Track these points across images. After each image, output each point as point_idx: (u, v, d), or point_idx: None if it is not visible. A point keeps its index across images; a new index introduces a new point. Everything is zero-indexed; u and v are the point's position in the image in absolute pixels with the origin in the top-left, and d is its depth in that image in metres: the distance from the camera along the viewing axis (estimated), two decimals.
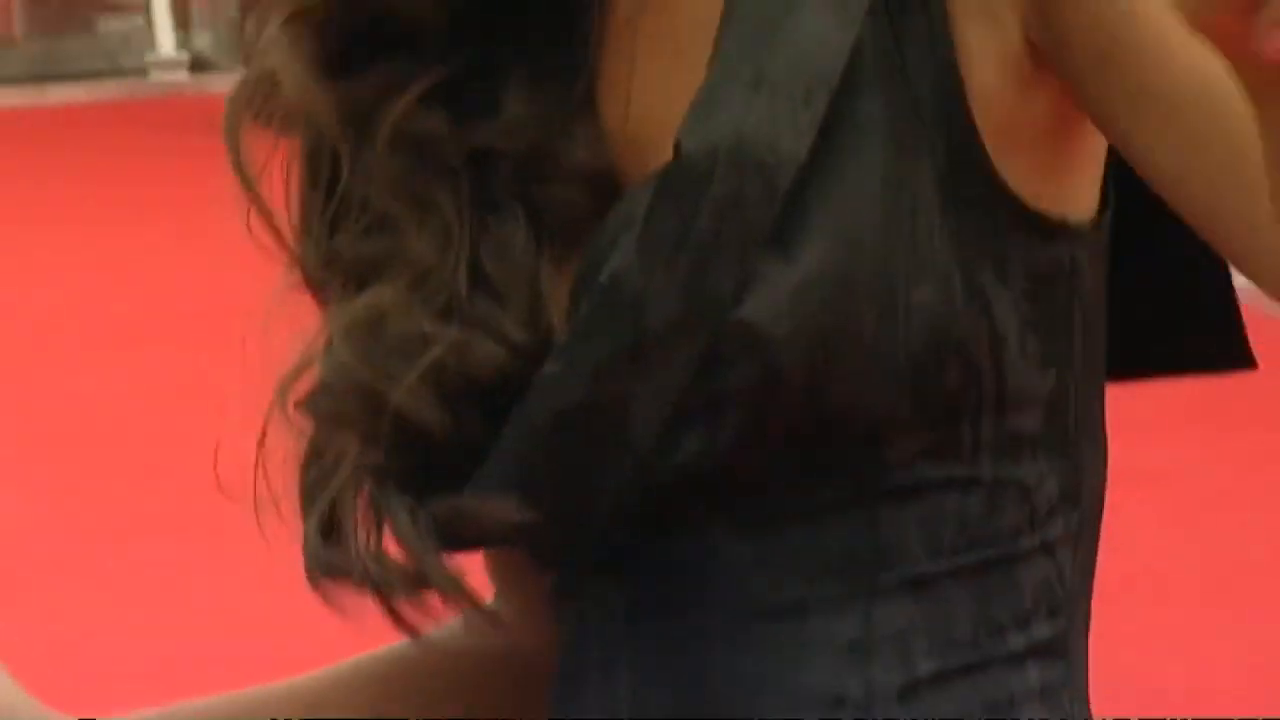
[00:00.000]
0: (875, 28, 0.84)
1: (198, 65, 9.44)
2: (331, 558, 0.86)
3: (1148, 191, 0.86)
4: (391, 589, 0.85)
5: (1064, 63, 0.83)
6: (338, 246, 0.89)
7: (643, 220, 0.83)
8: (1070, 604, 0.91)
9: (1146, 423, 4.27)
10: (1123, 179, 0.89)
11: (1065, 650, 0.91)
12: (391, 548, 0.86)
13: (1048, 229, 0.87)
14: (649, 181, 0.83)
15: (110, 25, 9.57)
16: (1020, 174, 0.86)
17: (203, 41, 9.57)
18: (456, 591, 0.86)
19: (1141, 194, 0.87)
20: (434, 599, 0.86)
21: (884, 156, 0.85)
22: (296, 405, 0.88)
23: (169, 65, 9.50)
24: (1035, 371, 0.88)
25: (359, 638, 0.94)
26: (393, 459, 0.85)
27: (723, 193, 0.82)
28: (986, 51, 0.86)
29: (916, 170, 0.85)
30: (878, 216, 0.84)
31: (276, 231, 0.89)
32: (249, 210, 0.89)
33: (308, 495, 0.87)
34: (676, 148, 0.83)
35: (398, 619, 0.86)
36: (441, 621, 0.88)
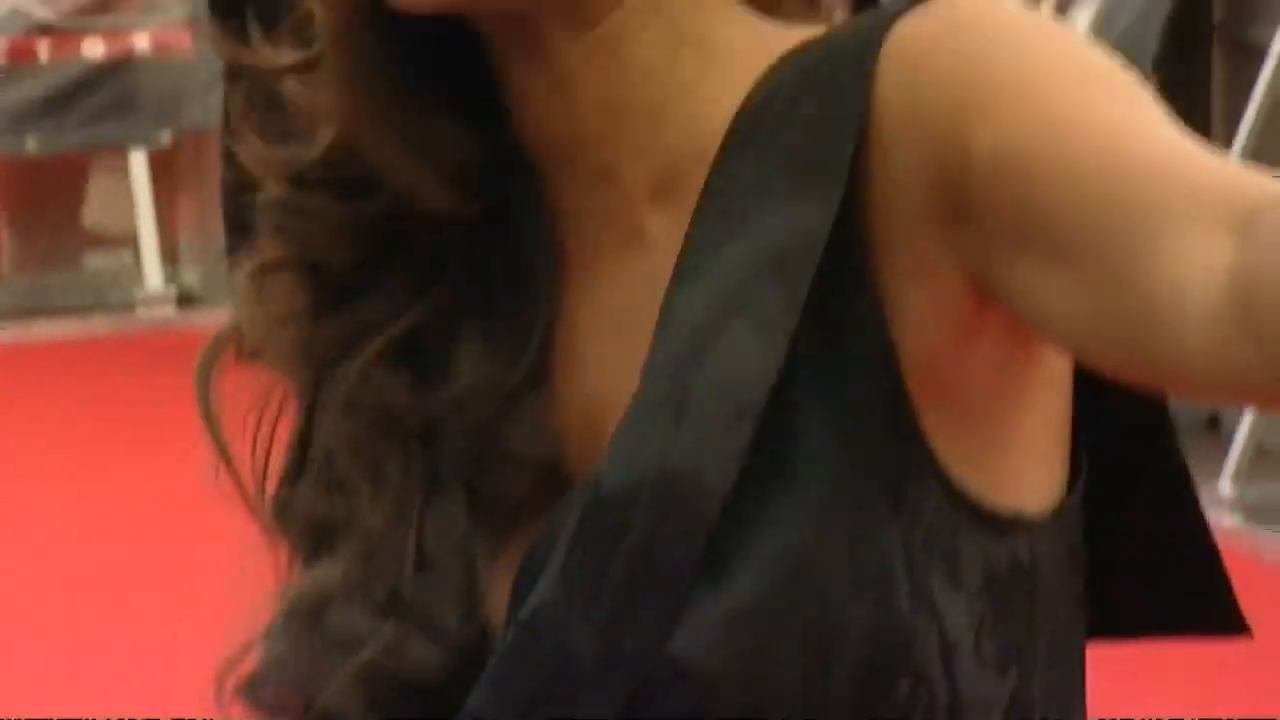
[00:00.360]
0: (807, 330, 0.84)
1: (185, 300, 9.79)
2: None
3: (1121, 460, 0.88)
4: None
5: (1003, 266, 0.81)
6: (297, 499, 0.91)
7: (564, 553, 0.83)
8: None
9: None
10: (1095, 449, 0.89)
11: None
12: None
13: (1001, 525, 0.86)
14: (573, 510, 0.84)
15: (97, 261, 9.98)
16: (968, 461, 0.85)
17: (191, 277, 9.93)
18: None
19: (1115, 462, 0.88)
20: None
21: (821, 473, 0.85)
22: (237, 689, 0.90)
23: (156, 301, 9.90)
24: (992, 675, 0.87)
25: None
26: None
27: (645, 530, 0.82)
28: (923, 316, 0.85)
29: (856, 481, 0.85)
30: (813, 537, 0.84)
31: (238, 480, 0.92)
32: (216, 460, 0.93)
33: None
34: (598, 483, 0.83)
35: None
36: None
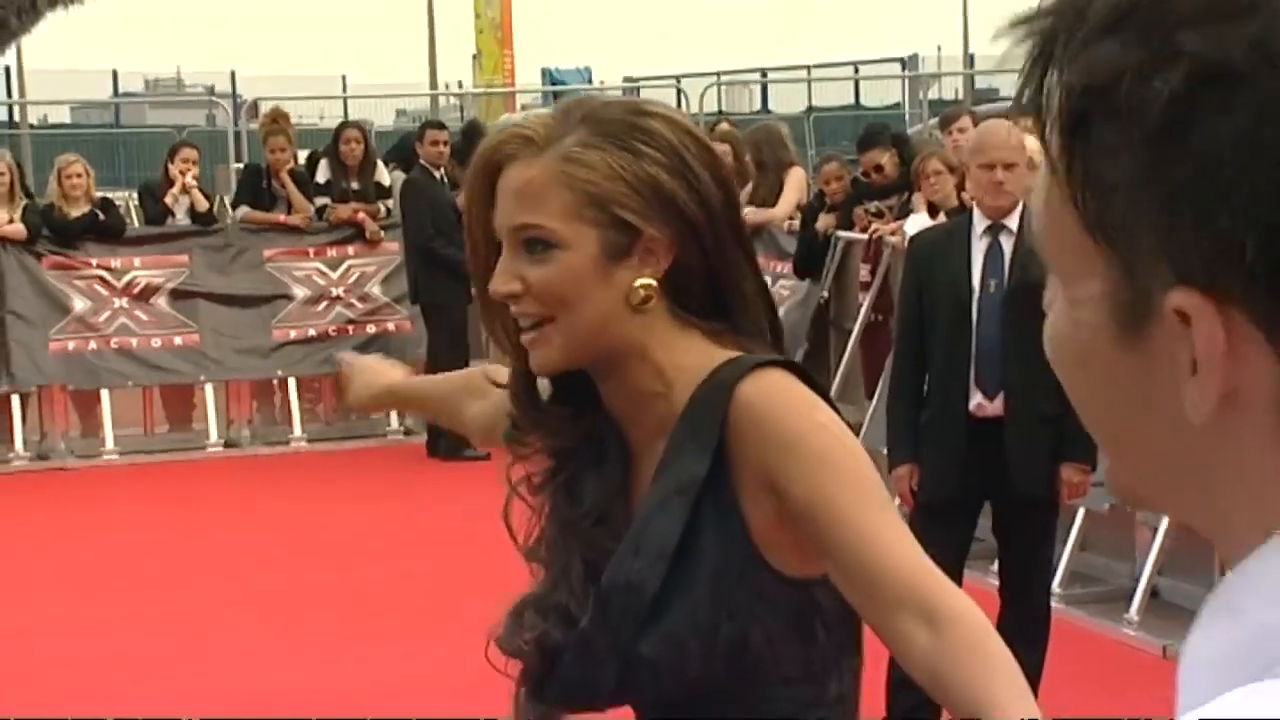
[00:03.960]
0: (708, 509, 1.73)
1: None
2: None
3: None
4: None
5: (793, 524, 1.72)
6: (535, 552, 1.90)
7: (595, 607, 1.77)
8: None
9: None
10: None
11: None
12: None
13: (796, 582, 1.73)
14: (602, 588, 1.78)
15: None
16: (778, 559, 1.74)
17: None
18: None
19: None
20: None
21: (710, 568, 1.72)
22: (496, 641, 1.85)
23: None
24: (796, 650, 1.75)
25: None
26: (524, 674, 1.85)
27: (621, 602, 1.72)
28: (760, 513, 1.72)
29: (728, 570, 1.71)
30: (705, 595, 1.71)
31: (515, 540, 1.91)
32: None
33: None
34: (603, 581, 1.77)
35: None
36: None
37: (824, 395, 1.79)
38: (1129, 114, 0.70)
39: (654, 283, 1.77)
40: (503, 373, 1.98)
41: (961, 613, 1.66)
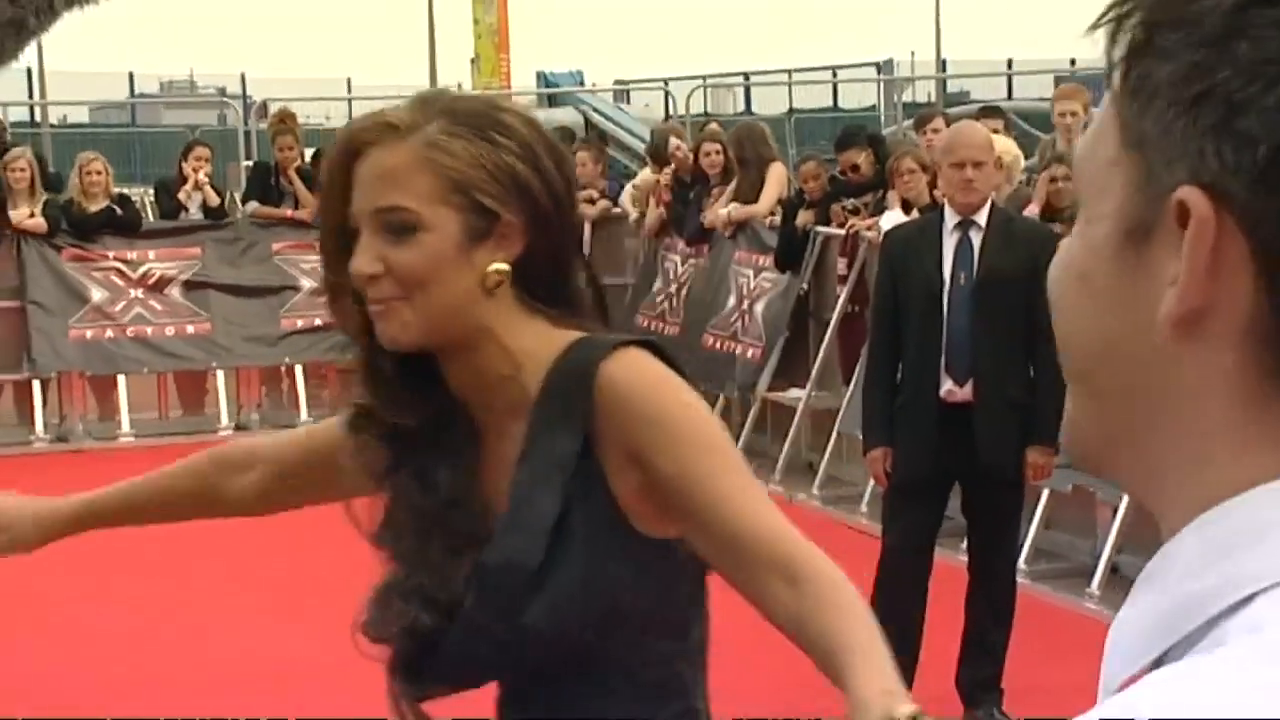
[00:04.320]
0: (578, 486, 1.73)
1: None
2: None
3: None
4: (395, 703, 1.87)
5: (658, 493, 1.75)
6: (383, 538, 1.85)
7: (478, 582, 1.75)
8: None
9: None
10: None
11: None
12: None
13: (656, 543, 1.76)
14: (483, 564, 1.76)
15: None
16: (643, 523, 1.77)
17: None
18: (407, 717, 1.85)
19: None
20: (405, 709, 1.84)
21: (582, 539, 1.73)
22: (361, 629, 1.82)
23: None
24: (653, 599, 1.78)
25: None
26: (397, 660, 1.83)
27: (503, 578, 1.73)
28: (626, 485, 1.74)
29: (598, 540, 1.73)
30: (580, 565, 1.73)
31: (359, 526, 1.88)
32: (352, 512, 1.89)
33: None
34: (485, 559, 1.76)
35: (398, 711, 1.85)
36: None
37: (680, 371, 1.81)
38: (1191, 21, 0.72)
39: (507, 267, 1.77)
40: (259, 441, 2.11)
41: (819, 569, 1.70)
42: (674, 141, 10.67)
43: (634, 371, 1.77)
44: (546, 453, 1.77)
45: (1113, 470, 0.79)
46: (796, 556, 1.70)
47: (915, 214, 7.58)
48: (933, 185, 7.60)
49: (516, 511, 1.77)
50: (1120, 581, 6.87)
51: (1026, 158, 9.03)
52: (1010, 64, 24.55)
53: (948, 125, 7.62)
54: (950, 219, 5.29)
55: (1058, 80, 15.48)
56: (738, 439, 9.39)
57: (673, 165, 10.46)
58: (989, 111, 9.64)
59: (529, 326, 1.81)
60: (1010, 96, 20.49)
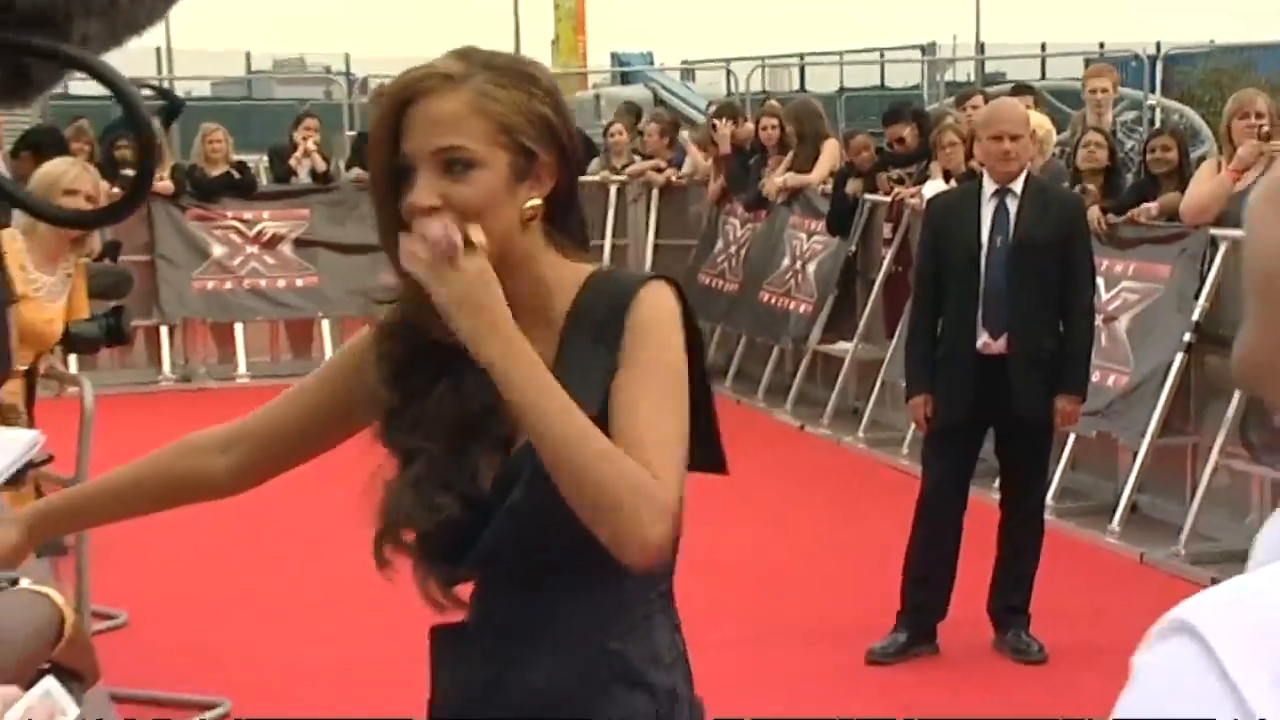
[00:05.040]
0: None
1: None
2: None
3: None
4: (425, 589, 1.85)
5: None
6: (400, 439, 1.83)
7: (527, 485, 1.76)
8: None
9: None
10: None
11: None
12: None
13: None
14: (519, 460, 1.79)
15: None
16: None
17: None
18: (438, 597, 1.84)
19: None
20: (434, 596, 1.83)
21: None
22: (395, 517, 1.84)
23: None
24: None
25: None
26: (430, 546, 1.84)
27: (529, 474, 1.78)
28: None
29: None
30: None
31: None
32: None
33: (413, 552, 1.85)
34: (515, 454, 1.80)
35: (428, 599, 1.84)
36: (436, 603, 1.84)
37: (688, 308, 1.84)
38: None
39: (540, 202, 1.82)
40: (228, 425, 2.02)
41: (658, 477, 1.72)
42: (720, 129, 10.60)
43: (660, 300, 1.82)
44: (585, 366, 1.80)
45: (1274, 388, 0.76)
46: (654, 463, 1.71)
47: (955, 183, 7.53)
48: (969, 156, 7.53)
49: None
50: (1139, 519, 6.88)
51: (1059, 132, 8.94)
52: (1044, 47, 24.21)
53: (986, 102, 7.56)
54: (988, 187, 5.26)
55: (1087, 61, 15.31)
56: (790, 387, 9.55)
57: (728, 140, 10.43)
58: (1020, 89, 9.57)
59: (551, 256, 1.85)
60: (1044, 76, 20.21)
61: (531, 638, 1.87)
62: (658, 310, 1.81)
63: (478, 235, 1.76)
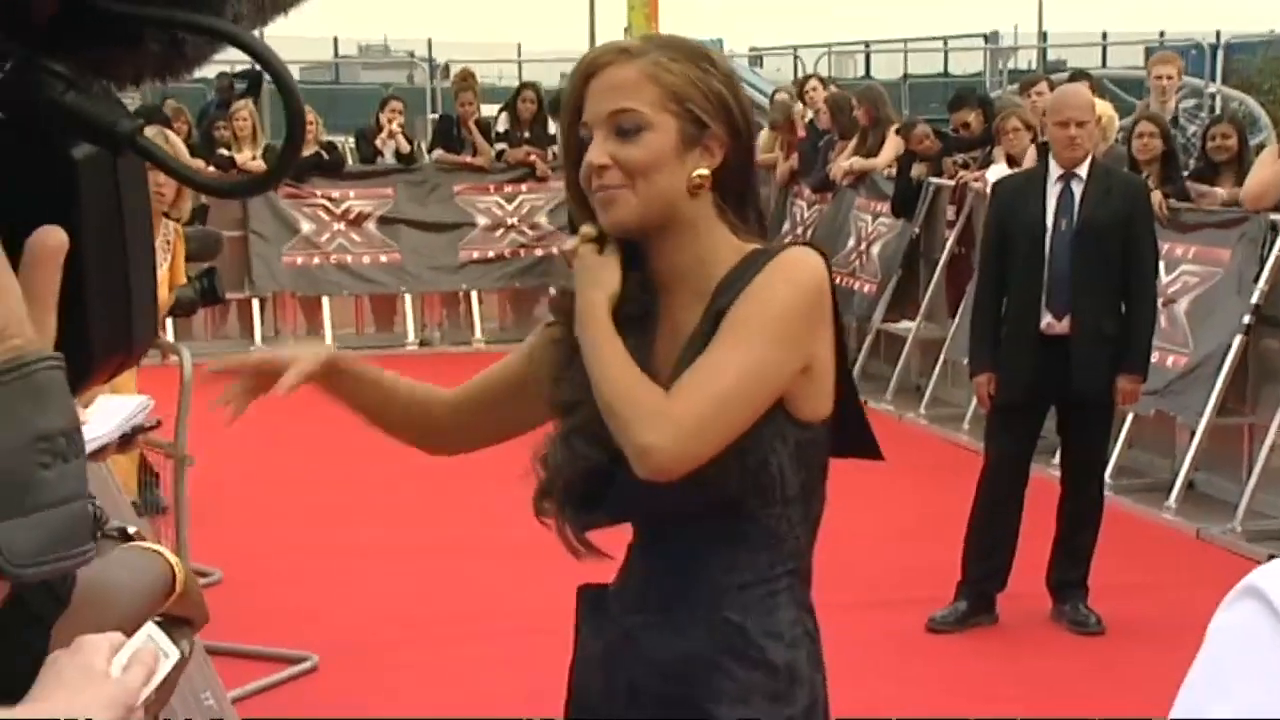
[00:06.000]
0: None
1: None
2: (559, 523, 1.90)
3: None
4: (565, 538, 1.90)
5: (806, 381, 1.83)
6: (563, 398, 1.89)
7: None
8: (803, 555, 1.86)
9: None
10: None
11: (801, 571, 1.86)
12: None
13: (802, 423, 1.79)
14: None
15: None
16: (795, 408, 1.81)
17: None
18: (573, 542, 1.88)
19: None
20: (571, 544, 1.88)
21: None
22: (545, 465, 1.89)
23: None
24: (795, 482, 1.78)
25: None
26: (571, 492, 1.86)
27: None
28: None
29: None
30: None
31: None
32: None
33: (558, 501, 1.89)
34: None
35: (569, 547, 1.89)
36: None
37: (833, 287, 1.84)
38: None
39: (708, 173, 1.84)
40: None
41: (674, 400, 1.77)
42: (797, 108, 10.57)
43: (798, 257, 1.82)
44: (716, 312, 1.83)
45: None
46: (674, 400, 1.77)
47: (1019, 166, 7.45)
48: (1035, 141, 7.44)
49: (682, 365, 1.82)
50: (1196, 496, 6.80)
51: (1121, 119, 8.81)
52: (1105, 35, 23.83)
53: (1050, 89, 7.46)
54: (1054, 171, 5.23)
55: (1148, 50, 15.05)
56: (854, 364, 9.44)
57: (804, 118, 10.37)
58: (1077, 76, 9.42)
59: (718, 229, 1.86)
60: (1104, 64, 19.90)
61: (651, 606, 1.87)
62: (782, 270, 1.80)
63: (586, 229, 1.84)
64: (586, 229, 1.84)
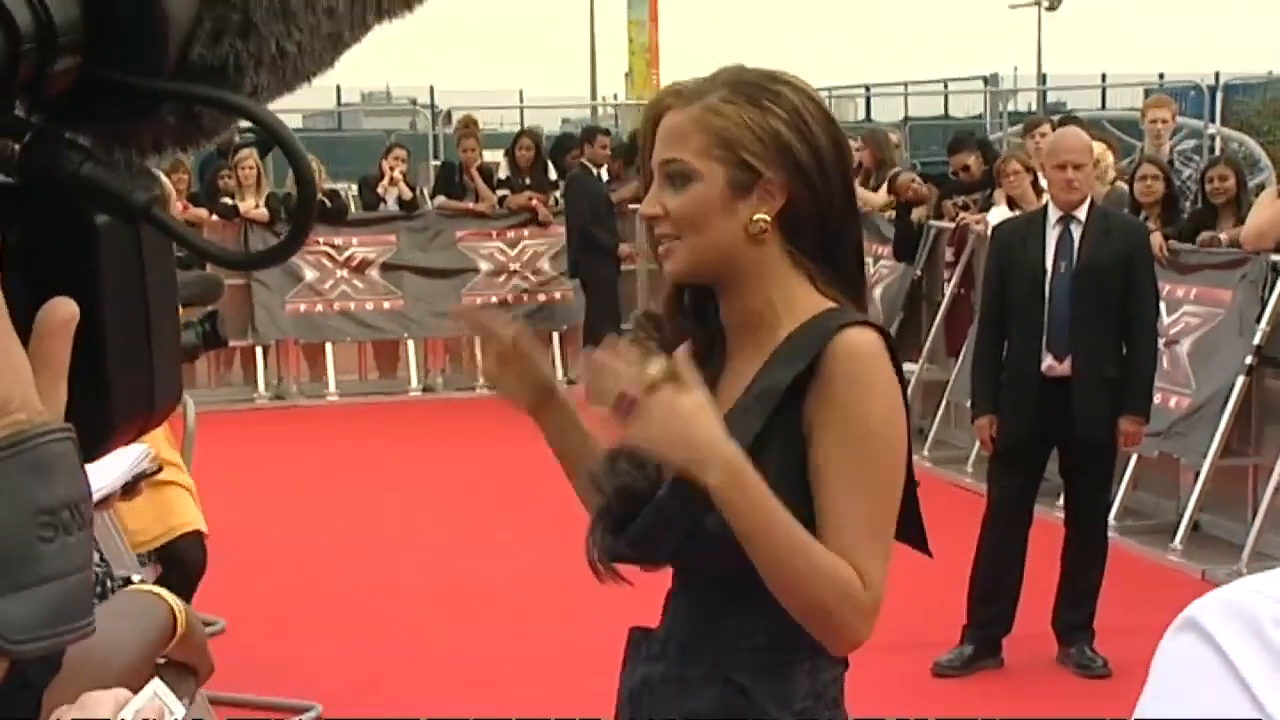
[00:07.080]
0: (783, 413, 1.74)
1: None
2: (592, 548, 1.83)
3: None
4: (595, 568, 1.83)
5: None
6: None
7: (671, 485, 1.76)
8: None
9: None
10: None
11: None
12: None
13: None
14: None
15: None
16: None
17: None
18: (607, 573, 1.82)
19: None
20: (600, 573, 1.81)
21: (777, 458, 1.71)
22: (590, 476, 1.84)
23: None
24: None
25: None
26: (603, 512, 1.82)
27: (691, 486, 1.69)
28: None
29: (788, 459, 1.72)
30: (769, 479, 1.67)
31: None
32: None
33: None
34: None
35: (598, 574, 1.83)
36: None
37: (898, 365, 1.78)
38: None
39: (768, 218, 1.78)
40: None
41: (864, 576, 1.73)
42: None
43: (859, 349, 1.74)
44: (767, 385, 1.78)
45: None
46: (848, 558, 1.71)
47: (1018, 210, 7.48)
48: (1035, 184, 7.47)
49: (727, 428, 1.71)
50: (1200, 538, 6.77)
51: (1122, 159, 8.83)
52: (1104, 77, 23.95)
53: (1054, 129, 7.49)
54: (1053, 214, 5.27)
55: (1147, 92, 15.12)
56: None
57: None
58: (1068, 121, 9.43)
59: (792, 279, 1.80)
60: (1104, 106, 19.98)
61: (670, 656, 1.84)
62: (860, 386, 1.73)
63: (656, 367, 1.67)
64: (653, 370, 1.67)
